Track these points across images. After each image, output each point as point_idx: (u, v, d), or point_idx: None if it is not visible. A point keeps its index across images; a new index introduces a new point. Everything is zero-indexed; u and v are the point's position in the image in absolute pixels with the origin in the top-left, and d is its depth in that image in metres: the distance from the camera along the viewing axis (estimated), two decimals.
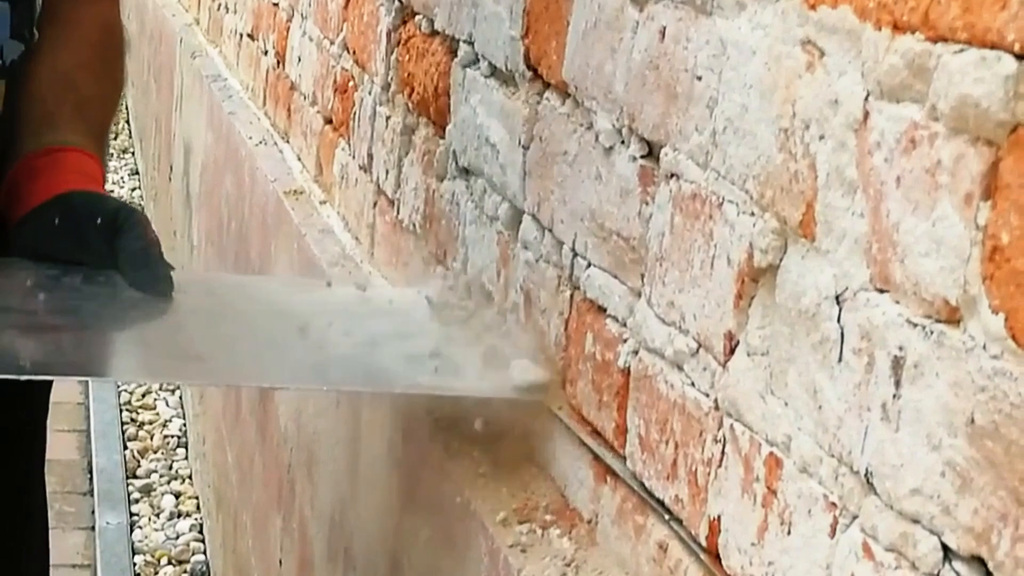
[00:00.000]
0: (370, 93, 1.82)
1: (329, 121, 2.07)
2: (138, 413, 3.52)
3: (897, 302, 0.75)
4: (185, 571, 2.86)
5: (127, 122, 5.53)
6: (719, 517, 0.92)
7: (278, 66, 2.48)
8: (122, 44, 1.41)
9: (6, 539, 1.36)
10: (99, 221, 1.20)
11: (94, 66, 1.33)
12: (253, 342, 1.22)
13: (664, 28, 1.02)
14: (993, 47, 0.68)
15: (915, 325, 0.73)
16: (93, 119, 1.30)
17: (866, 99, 0.78)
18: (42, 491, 1.43)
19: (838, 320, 0.80)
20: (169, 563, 2.87)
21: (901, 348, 0.74)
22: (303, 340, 1.21)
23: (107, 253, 1.20)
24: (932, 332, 0.72)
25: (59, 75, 1.30)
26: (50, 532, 1.45)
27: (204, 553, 2.89)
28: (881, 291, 0.77)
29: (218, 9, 3.32)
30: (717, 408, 0.93)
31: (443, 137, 1.50)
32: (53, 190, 1.22)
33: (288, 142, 2.36)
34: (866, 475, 0.77)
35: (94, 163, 1.27)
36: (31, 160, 1.25)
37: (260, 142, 2.43)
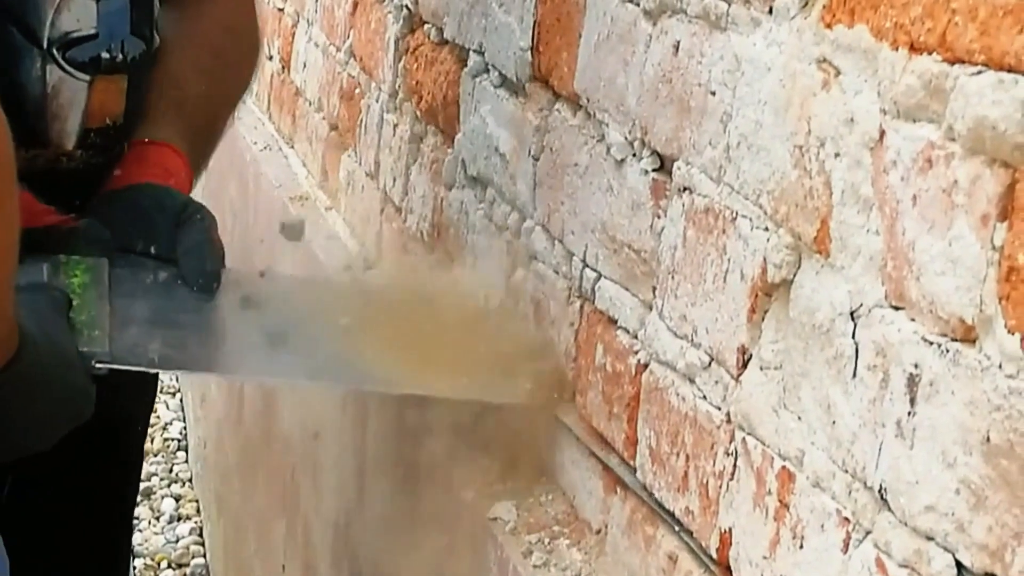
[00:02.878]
0: (377, 100, 1.83)
1: (335, 127, 2.08)
2: None
3: (912, 320, 0.76)
4: (185, 575, 2.86)
5: None
6: (730, 529, 0.93)
7: (283, 71, 2.48)
8: (248, 45, 1.43)
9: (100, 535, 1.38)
10: (165, 212, 1.23)
11: (205, 66, 1.35)
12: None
13: (678, 42, 1.02)
14: (1011, 70, 0.69)
15: (930, 343, 0.74)
16: (193, 118, 1.32)
17: (882, 118, 0.79)
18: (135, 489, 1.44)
19: (853, 336, 0.81)
20: (169, 567, 2.87)
21: (916, 365, 0.75)
22: None
23: (170, 244, 1.22)
24: (948, 350, 0.73)
25: (168, 72, 1.32)
26: None
27: (204, 557, 2.89)
28: (896, 308, 0.77)
29: None
30: (729, 421, 0.94)
31: (452, 146, 1.51)
32: (128, 180, 1.25)
33: (293, 148, 2.37)
34: (880, 491, 0.77)
35: (179, 160, 1.29)
36: (123, 151, 1.28)
37: (265, 147, 2.44)
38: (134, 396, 1.37)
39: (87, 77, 1.21)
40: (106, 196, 1.26)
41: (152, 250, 1.23)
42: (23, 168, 1.18)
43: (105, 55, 1.22)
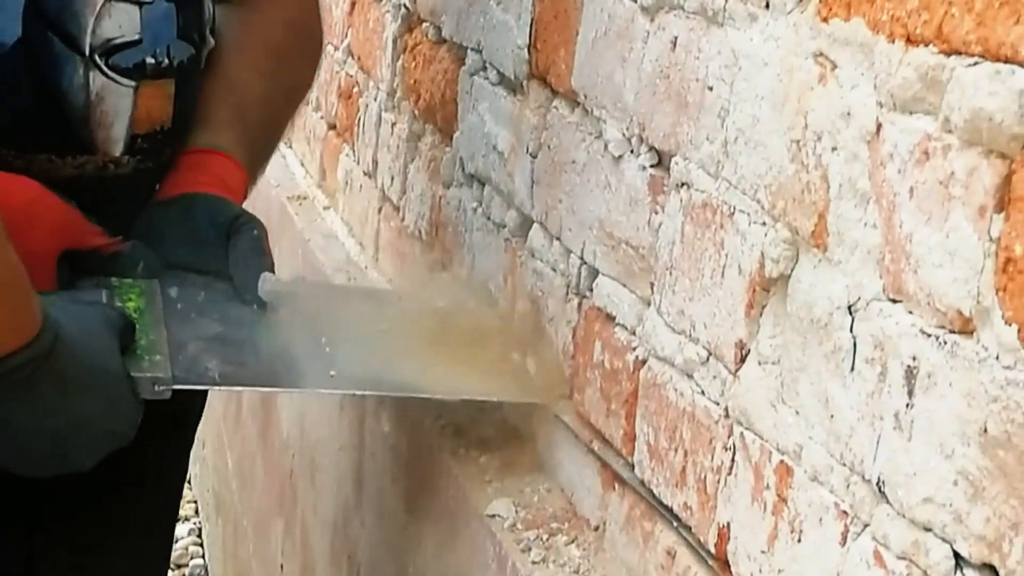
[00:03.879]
0: (375, 99, 1.83)
1: (333, 127, 2.08)
2: None
3: (910, 312, 0.76)
4: (184, 575, 2.86)
5: None
6: (728, 524, 0.93)
7: None
8: (310, 44, 1.41)
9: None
10: (217, 225, 1.22)
11: (264, 67, 1.33)
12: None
13: (675, 38, 1.02)
14: (1007, 61, 0.69)
15: (928, 335, 0.74)
16: (252, 124, 1.31)
17: (879, 111, 0.79)
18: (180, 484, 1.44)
19: (851, 330, 0.81)
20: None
21: (914, 358, 0.75)
22: None
23: (221, 255, 1.21)
24: (945, 342, 0.73)
25: (225, 76, 1.31)
26: None
27: (203, 557, 2.89)
28: (894, 301, 0.77)
29: None
30: (727, 416, 0.94)
31: (450, 144, 1.51)
32: (182, 188, 1.24)
33: (291, 147, 2.37)
34: (878, 484, 0.78)
35: (235, 169, 1.28)
36: (178, 158, 1.27)
37: None
38: (176, 424, 1.35)
39: (132, 83, 1.19)
40: (159, 205, 1.24)
41: (202, 263, 1.22)
42: (72, 176, 1.18)
43: (150, 60, 1.20)
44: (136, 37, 1.19)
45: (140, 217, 1.23)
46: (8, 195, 1.12)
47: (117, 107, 1.19)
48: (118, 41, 1.18)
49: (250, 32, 1.34)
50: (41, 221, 1.14)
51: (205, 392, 1.38)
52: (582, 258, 1.17)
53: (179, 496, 1.44)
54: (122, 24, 1.18)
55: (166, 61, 1.22)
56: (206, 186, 1.24)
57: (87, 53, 1.17)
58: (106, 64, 1.18)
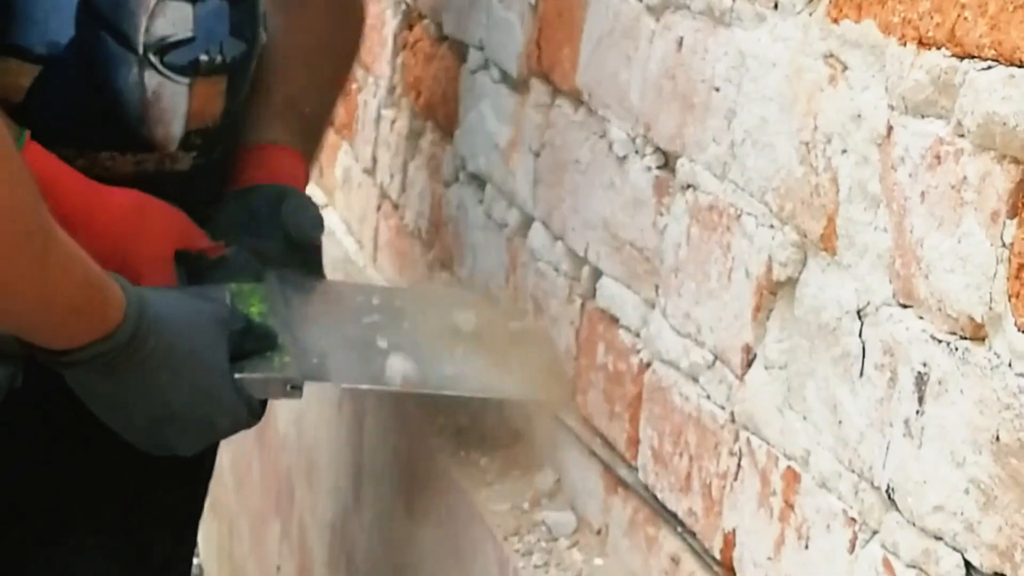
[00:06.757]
0: (375, 96, 1.82)
1: (331, 123, 2.06)
2: None
3: (921, 318, 0.75)
4: None
5: None
6: (734, 530, 0.92)
7: None
8: (353, 24, 1.41)
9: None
10: (269, 197, 1.24)
11: (311, 54, 1.34)
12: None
13: (681, 38, 1.01)
14: (1021, 65, 0.68)
15: (939, 341, 0.73)
16: (305, 113, 1.32)
17: (890, 114, 0.78)
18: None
19: (860, 335, 0.80)
20: None
21: (925, 364, 0.74)
22: None
23: (274, 226, 1.23)
24: (957, 349, 0.72)
25: (276, 68, 1.32)
26: None
27: (198, 557, 2.88)
28: (904, 306, 0.77)
29: None
30: (733, 421, 0.93)
31: (450, 142, 1.50)
32: (242, 185, 1.26)
33: None
34: (887, 491, 0.77)
35: (296, 161, 1.29)
36: (240, 154, 1.28)
37: None
38: None
39: (186, 80, 1.20)
40: (223, 202, 1.26)
41: (266, 249, 1.23)
42: (132, 173, 1.19)
43: (204, 57, 1.21)
44: (190, 35, 1.20)
45: (212, 217, 1.25)
46: (115, 202, 1.14)
47: (173, 104, 1.20)
48: (172, 39, 1.19)
49: (294, 19, 1.35)
50: (153, 224, 1.16)
51: None
52: (585, 259, 1.16)
53: (206, 480, 1.44)
54: (176, 22, 1.19)
55: (220, 58, 1.22)
56: (264, 178, 1.26)
57: (141, 52, 1.18)
58: (160, 62, 1.19)
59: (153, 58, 1.18)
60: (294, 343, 1.13)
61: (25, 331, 0.97)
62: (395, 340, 1.19)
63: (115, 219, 1.13)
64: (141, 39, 1.17)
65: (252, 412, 1.08)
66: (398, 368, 1.15)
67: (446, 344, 1.20)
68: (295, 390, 1.08)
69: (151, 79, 1.18)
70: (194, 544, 1.45)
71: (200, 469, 1.40)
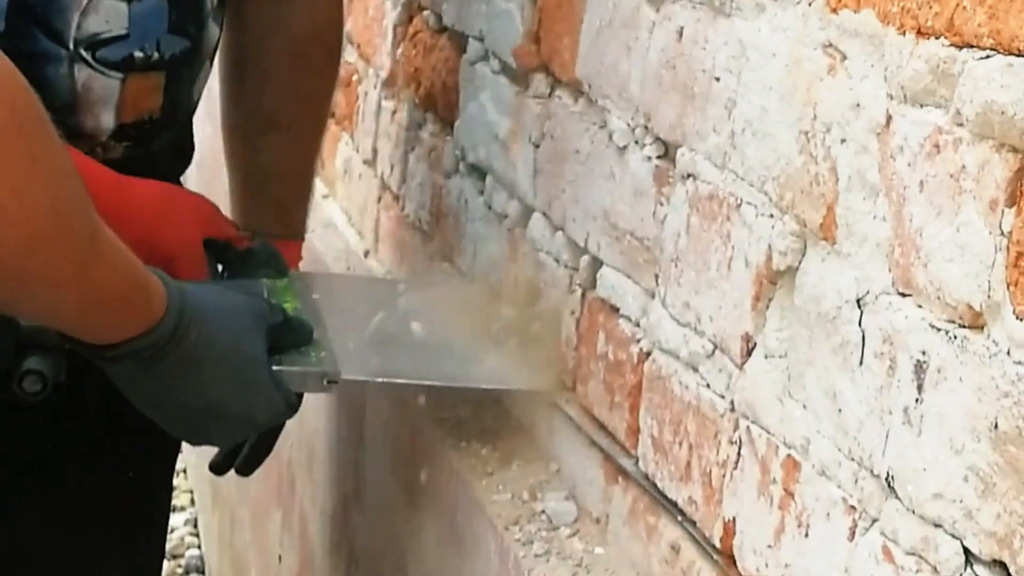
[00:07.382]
0: (375, 87, 1.82)
1: (331, 114, 2.06)
2: None
3: (920, 306, 0.75)
4: (180, 566, 2.86)
5: None
6: (734, 519, 0.92)
7: None
8: (331, 43, 1.43)
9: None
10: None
11: (291, 111, 1.39)
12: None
13: (681, 28, 1.02)
14: (1020, 54, 0.68)
15: (938, 330, 0.74)
16: (279, 194, 1.37)
17: (889, 103, 0.79)
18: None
19: (859, 323, 0.80)
20: (163, 557, 2.86)
21: (924, 352, 0.75)
22: None
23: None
24: (955, 337, 0.72)
25: (241, 143, 1.37)
26: None
27: (199, 548, 2.89)
28: (903, 295, 0.77)
29: None
30: (733, 410, 0.93)
31: (451, 133, 1.50)
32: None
33: None
34: (887, 479, 0.77)
35: (290, 251, 1.33)
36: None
37: None
38: None
39: (120, 75, 1.20)
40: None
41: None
42: None
43: (138, 54, 1.21)
44: (124, 32, 1.20)
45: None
46: (143, 191, 1.16)
47: (103, 97, 1.20)
48: (104, 36, 1.19)
49: (264, 47, 1.37)
50: (181, 211, 1.18)
51: None
52: (586, 249, 1.16)
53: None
54: (109, 19, 1.19)
55: (156, 55, 1.22)
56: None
57: (72, 47, 1.18)
58: (92, 58, 1.19)
59: (84, 53, 1.18)
60: (327, 338, 1.14)
61: (71, 327, 0.97)
62: (427, 332, 1.21)
63: (143, 208, 1.14)
64: (72, 35, 1.18)
65: (290, 405, 1.09)
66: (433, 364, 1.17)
67: (475, 340, 1.21)
68: (331, 384, 1.10)
69: (81, 72, 1.18)
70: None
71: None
